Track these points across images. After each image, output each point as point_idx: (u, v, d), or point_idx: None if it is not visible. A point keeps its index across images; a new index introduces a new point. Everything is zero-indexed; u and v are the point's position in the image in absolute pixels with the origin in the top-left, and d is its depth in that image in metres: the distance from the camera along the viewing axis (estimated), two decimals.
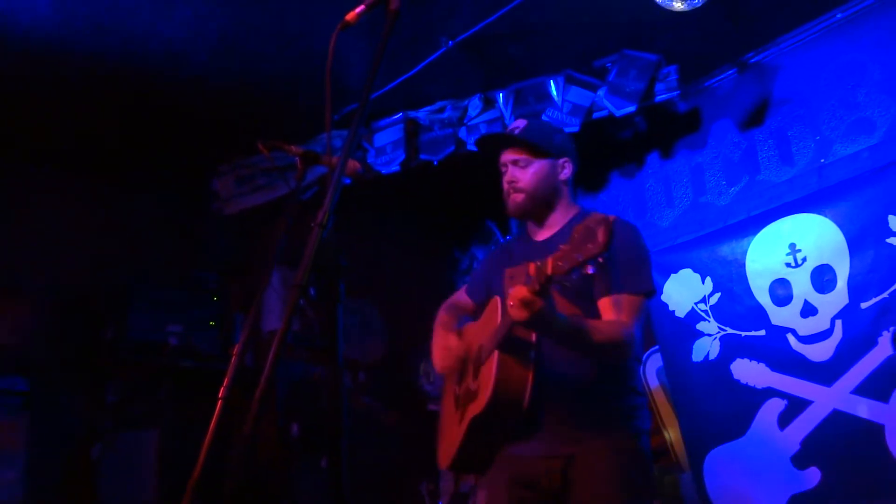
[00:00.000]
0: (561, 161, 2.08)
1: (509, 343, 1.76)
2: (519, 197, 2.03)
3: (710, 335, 3.26)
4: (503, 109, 3.50)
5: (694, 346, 3.29)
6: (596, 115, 3.39)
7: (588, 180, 4.10)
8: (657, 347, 3.49)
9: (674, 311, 3.40)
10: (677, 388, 3.32)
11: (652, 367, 3.60)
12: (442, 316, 2.17)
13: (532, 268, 1.60)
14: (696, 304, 3.33)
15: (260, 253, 3.73)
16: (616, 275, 1.87)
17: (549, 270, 1.55)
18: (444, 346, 2.04)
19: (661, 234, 3.71)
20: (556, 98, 3.42)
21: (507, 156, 2.06)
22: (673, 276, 3.44)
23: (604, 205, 4.03)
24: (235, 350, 1.51)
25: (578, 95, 3.40)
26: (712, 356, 3.23)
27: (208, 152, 3.79)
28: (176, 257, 3.88)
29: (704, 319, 3.29)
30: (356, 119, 1.44)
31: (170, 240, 3.92)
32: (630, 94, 3.28)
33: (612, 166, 4.01)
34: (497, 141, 2.07)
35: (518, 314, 1.62)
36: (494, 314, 1.88)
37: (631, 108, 3.28)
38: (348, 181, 2.84)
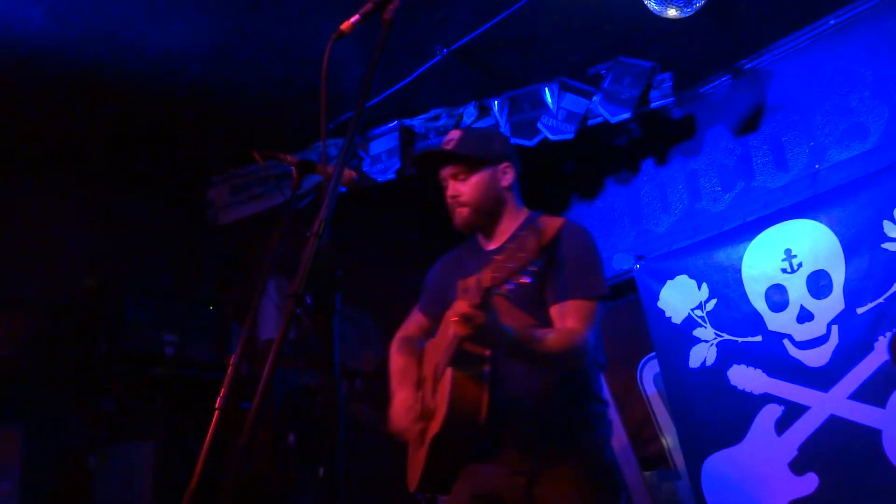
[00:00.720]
0: (501, 167, 2.04)
1: (462, 359, 1.73)
2: (464, 211, 2.01)
3: (706, 341, 3.26)
4: (498, 117, 3.51)
5: (691, 353, 3.29)
6: (591, 121, 3.40)
7: (583, 187, 4.11)
8: (654, 354, 3.48)
9: (670, 318, 3.40)
10: (674, 394, 3.32)
11: (649, 374, 3.61)
12: (396, 361, 2.09)
13: (472, 281, 1.58)
14: (692, 310, 3.33)
15: (255, 262, 3.74)
16: (565, 281, 1.84)
17: (486, 283, 1.53)
18: (397, 404, 1.95)
19: (657, 241, 3.72)
20: (550, 105, 3.42)
21: (447, 171, 2.03)
22: (669, 282, 3.44)
23: (600, 211, 4.04)
24: (231, 360, 1.51)
25: (573, 103, 3.41)
26: (709, 362, 3.23)
27: (203, 161, 3.79)
28: (172, 266, 3.88)
29: (701, 325, 3.29)
30: (351, 127, 1.44)
31: (165, 249, 3.91)
32: (625, 101, 3.29)
33: (608, 173, 4.03)
34: (433, 158, 2.04)
35: (461, 329, 1.60)
36: (447, 329, 1.85)
37: (626, 115, 3.28)
38: (344, 190, 2.81)
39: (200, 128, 3.56)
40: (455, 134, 2.06)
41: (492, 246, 2.03)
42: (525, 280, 1.46)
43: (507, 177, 2.05)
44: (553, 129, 3.43)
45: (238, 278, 3.86)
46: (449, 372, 1.73)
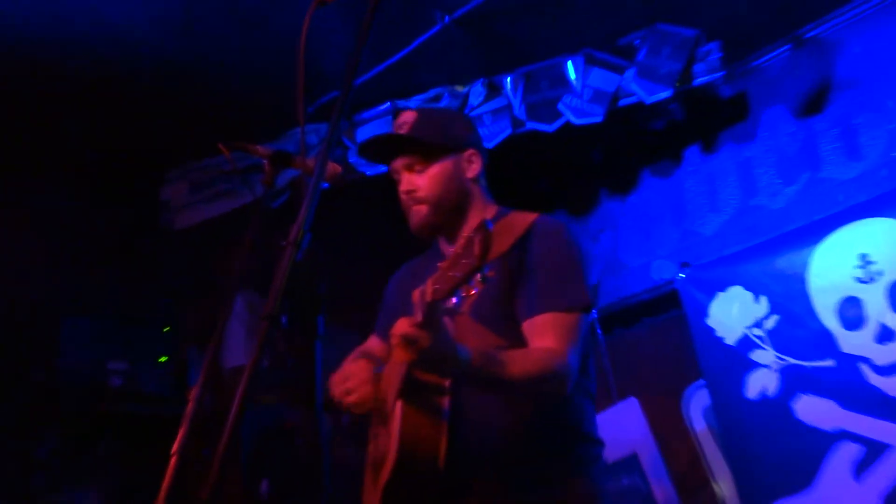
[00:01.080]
0: (465, 155, 2.05)
1: (414, 390, 1.70)
2: (422, 209, 2.01)
3: (767, 366, 3.27)
4: (511, 96, 3.53)
5: (748, 380, 3.30)
6: (623, 102, 3.43)
7: (614, 181, 4.11)
8: (702, 382, 3.49)
9: (722, 338, 3.40)
10: (728, 430, 3.32)
11: (697, 406, 3.61)
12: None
13: (416, 294, 1.59)
14: (748, 328, 3.34)
15: (220, 274, 3.74)
16: (538, 290, 1.83)
17: (428, 296, 1.53)
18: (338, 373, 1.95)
19: (705, 245, 3.74)
20: (574, 83, 3.45)
21: (400, 161, 2.04)
22: (720, 294, 3.45)
23: (634, 210, 4.05)
24: (192, 393, 1.51)
25: (601, 79, 3.43)
26: (771, 392, 3.24)
27: (157, 153, 3.79)
28: (118, 280, 3.87)
29: (760, 347, 3.29)
30: (336, 111, 1.45)
31: (110, 259, 3.91)
32: (663, 77, 3.31)
33: (643, 163, 4.04)
34: (383, 145, 2.04)
35: (403, 354, 1.59)
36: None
37: (665, 94, 3.31)
38: (326, 186, 2.89)
39: (154, 113, 3.57)
40: (409, 116, 2.05)
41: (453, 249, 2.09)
42: (473, 292, 1.46)
43: (474, 166, 2.05)
44: (577, 112, 3.46)
45: (199, 294, 3.85)
46: (399, 407, 1.71)
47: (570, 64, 3.45)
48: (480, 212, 2.02)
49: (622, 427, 3.61)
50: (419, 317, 1.56)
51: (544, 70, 3.48)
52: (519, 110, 3.53)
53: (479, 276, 1.44)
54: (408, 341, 1.56)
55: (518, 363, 1.73)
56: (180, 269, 3.95)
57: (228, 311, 1.66)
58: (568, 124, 3.48)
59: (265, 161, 1.84)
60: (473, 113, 3.61)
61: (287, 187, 3.59)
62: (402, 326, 1.56)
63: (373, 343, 2.15)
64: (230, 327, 3.64)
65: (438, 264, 1.53)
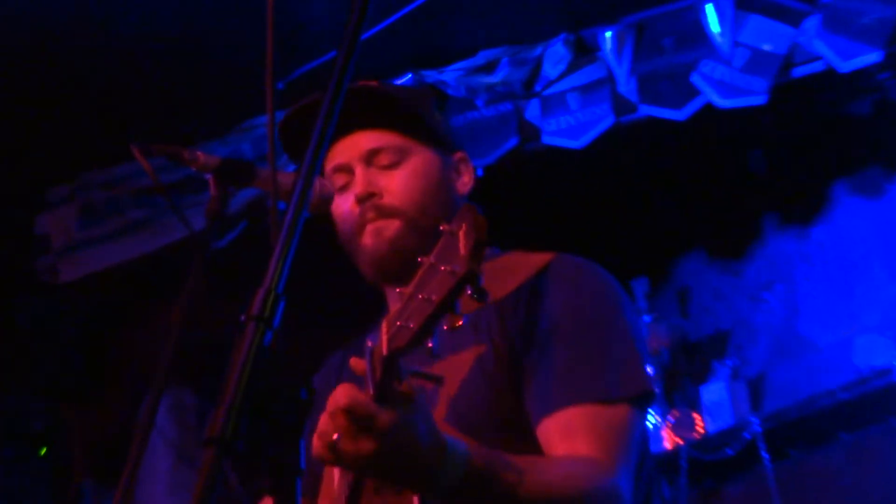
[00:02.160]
0: (456, 157, 2.13)
1: None
2: (392, 227, 2.02)
3: None
4: (612, 60, 3.52)
5: None
6: (799, 71, 3.44)
7: (787, 201, 4.13)
8: None
9: None
10: None
11: None
12: None
13: (355, 363, 1.61)
14: None
15: (131, 361, 3.72)
16: (558, 369, 1.86)
17: (384, 347, 1.53)
18: None
19: None
20: (717, 38, 3.44)
21: (356, 146, 2.06)
22: None
23: (822, 249, 4.06)
24: None
25: (764, 33, 3.42)
26: None
27: (30, 163, 3.80)
28: None
29: None
30: (331, 88, 1.44)
31: None
32: (867, 30, 3.30)
33: (836, 173, 4.05)
34: (345, 106, 1.72)
35: (347, 452, 1.56)
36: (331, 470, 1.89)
37: (871, 58, 3.30)
38: (309, 215, 2.94)
39: (34, 98, 3.60)
40: (371, 83, 2.08)
41: None
42: (460, 322, 1.47)
43: (465, 178, 2.13)
44: (724, 88, 3.43)
45: (96, 393, 3.84)
46: None
47: (710, 7, 3.43)
48: None
49: None
50: (372, 383, 1.56)
51: (666, 18, 3.52)
52: (626, 85, 3.52)
53: (469, 290, 1.43)
54: (356, 422, 1.54)
55: (543, 474, 1.76)
56: (66, 350, 3.93)
57: (147, 424, 1.73)
58: (707, 109, 3.49)
59: (208, 175, 1.88)
60: (550, 91, 3.61)
61: (243, 215, 3.50)
62: (342, 396, 1.54)
63: None
64: (150, 450, 3.54)
65: (399, 289, 1.53)
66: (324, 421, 1.56)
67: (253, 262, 1.41)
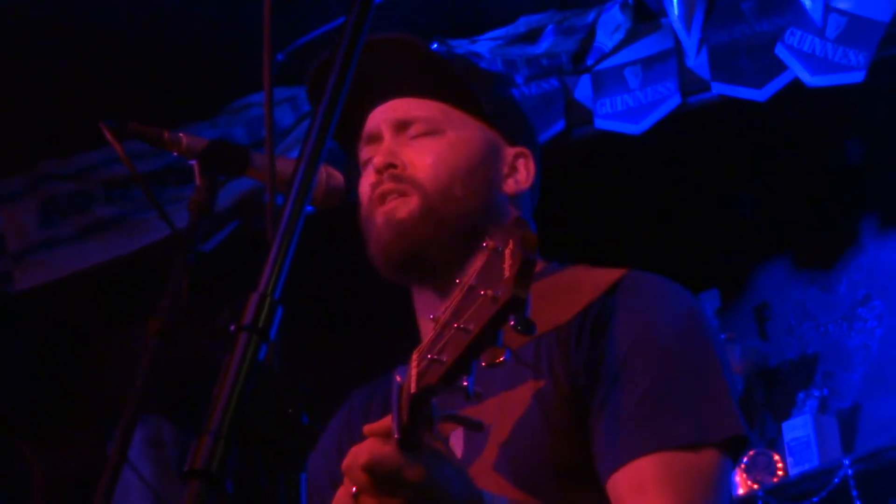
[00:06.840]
0: (514, 152, 2.11)
1: None
2: (404, 208, 2.04)
3: None
4: (679, 28, 3.60)
5: None
6: None
7: (890, 200, 4.31)
8: None
9: None
10: None
11: None
12: None
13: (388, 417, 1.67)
14: None
15: (100, 387, 3.79)
16: (630, 412, 1.87)
17: (413, 384, 1.59)
18: None
19: None
20: (807, 2, 3.50)
21: (395, 109, 2.09)
22: None
23: None
24: None
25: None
26: None
27: None
28: None
29: None
30: (339, 57, 1.44)
31: None
32: None
33: None
34: (368, 68, 1.84)
35: None
36: None
37: None
38: (313, 210, 2.81)
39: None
40: (413, 38, 2.12)
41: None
42: (501, 359, 1.52)
43: (520, 175, 2.12)
44: (815, 62, 3.49)
45: (57, 426, 3.88)
46: None
47: None
48: None
49: None
50: (398, 426, 1.61)
51: None
52: (696, 59, 3.59)
53: (512, 321, 1.47)
54: (380, 476, 1.63)
55: None
56: (20, 374, 4.00)
57: (119, 458, 1.82)
58: (793, 87, 3.55)
59: (193, 161, 1.98)
60: (604, 65, 3.69)
61: (233, 213, 3.64)
62: (366, 450, 1.64)
63: None
64: (121, 494, 3.65)
65: (431, 316, 1.63)
66: (349, 466, 1.64)
67: (244, 270, 1.33)
